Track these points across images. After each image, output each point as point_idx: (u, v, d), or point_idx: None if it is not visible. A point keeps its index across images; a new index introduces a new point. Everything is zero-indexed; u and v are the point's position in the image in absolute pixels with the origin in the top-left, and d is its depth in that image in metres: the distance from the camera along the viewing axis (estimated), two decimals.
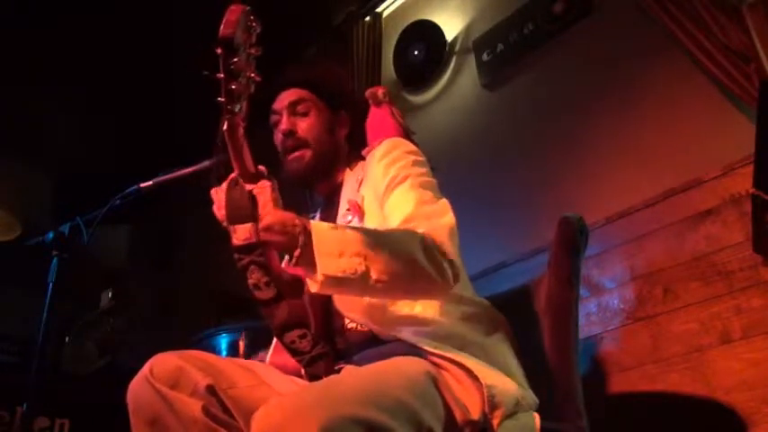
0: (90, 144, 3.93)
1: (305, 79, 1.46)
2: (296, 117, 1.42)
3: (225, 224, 1.10)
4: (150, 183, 1.59)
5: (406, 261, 1.08)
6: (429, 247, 1.11)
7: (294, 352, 1.10)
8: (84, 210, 1.64)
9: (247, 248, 1.06)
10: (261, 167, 1.12)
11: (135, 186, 1.59)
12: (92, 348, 2.83)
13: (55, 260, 1.60)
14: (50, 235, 1.61)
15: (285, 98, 1.43)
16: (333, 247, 1.04)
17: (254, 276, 1.06)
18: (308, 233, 1.05)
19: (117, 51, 3.52)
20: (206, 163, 1.56)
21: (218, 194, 1.13)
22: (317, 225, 1.07)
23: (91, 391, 2.59)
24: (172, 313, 4.08)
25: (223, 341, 2.64)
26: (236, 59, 0.99)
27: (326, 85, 1.48)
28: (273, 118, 1.44)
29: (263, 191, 1.08)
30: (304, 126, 1.41)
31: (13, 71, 3.50)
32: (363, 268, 1.03)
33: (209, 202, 1.16)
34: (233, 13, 0.98)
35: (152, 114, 3.85)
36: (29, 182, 3.80)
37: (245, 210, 1.06)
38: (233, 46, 0.97)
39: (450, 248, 1.14)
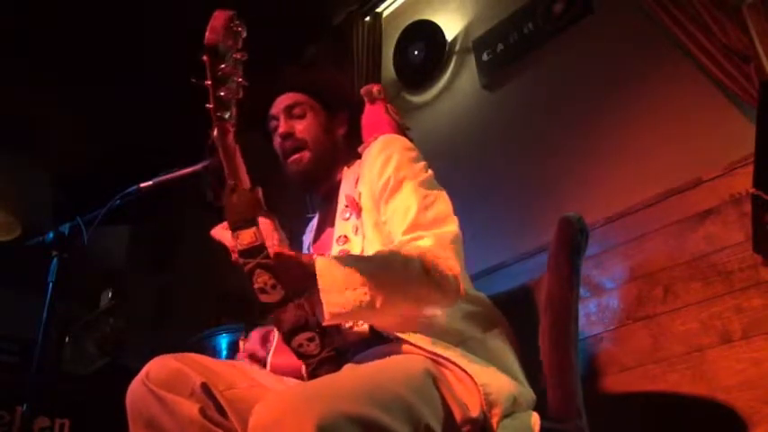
0: (90, 144, 3.93)
1: (299, 83, 1.49)
2: (293, 120, 1.46)
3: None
4: (150, 183, 1.59)
5: (410, 285, 1.11)
6: (432, 265, 1.14)
7: (302, 356, 1.09)
8: (84, 210, 1.64)
9: (252, 251, 1.05)
10: (258, 190, 1.13)
11: (135, 186, 1.59)
12: (92, 348, 2.83)
13: (55, 260, 1.60)
14: (50, 235, 1.61)
15: (281, 103, 1.47)
16: (338, 284, 1.05)
17: (261, 279, 1.05)
18: (313, 275, 1.06)
19: (117, 51, 3.52)
20: (205, 163, 1.56)
21: (223, 234, 1.14)
22: (321, 263, 1.08)
23: (91, 391, 2.59)
24: (171, 313, 4.08)
25: (223, 341, 2.65)
26: (223, 66, 0.99)
27: (321, 87, 1.52)
28: (272, 123, 1.47)
29: (267, 228, 1.11)
30: (301, 128, 1.44)
31: (14, 71, 3.50)
32: (368, 298, 1.05)
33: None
34: (217, 20, 0.98)
35: (151, 114, 3.84)
36: (29, 182, 3.79)
37: (248, 214, 1.05)
38: (219, 52, 0.97)
39: (454, 261, 1.17)
